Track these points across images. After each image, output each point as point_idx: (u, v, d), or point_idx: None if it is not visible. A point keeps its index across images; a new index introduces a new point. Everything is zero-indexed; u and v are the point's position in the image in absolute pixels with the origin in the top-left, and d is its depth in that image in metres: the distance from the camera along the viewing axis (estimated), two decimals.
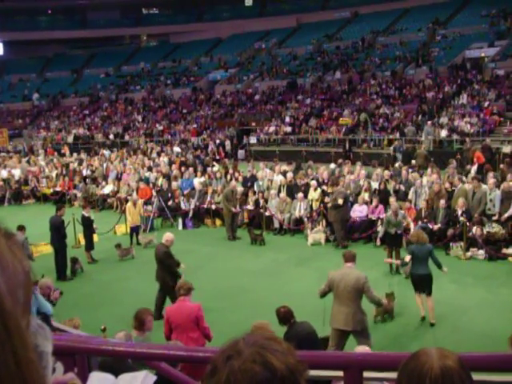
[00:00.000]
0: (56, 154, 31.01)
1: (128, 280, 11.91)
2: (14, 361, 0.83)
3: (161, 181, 19.58)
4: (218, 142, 32.55)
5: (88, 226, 13.50)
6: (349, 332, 7.35)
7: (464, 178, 15.42)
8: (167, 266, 9.61)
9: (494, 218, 13.13)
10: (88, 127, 42.24)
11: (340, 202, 13.61)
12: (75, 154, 28.46)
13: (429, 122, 26.93)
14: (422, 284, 9.12)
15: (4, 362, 0.82)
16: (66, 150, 32.63)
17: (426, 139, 25.82)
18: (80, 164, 24.79)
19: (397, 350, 7.36)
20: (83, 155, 28.08)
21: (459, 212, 13.05)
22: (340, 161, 19.96)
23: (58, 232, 12.42)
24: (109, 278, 12.34)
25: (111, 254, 13.81)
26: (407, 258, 9.22)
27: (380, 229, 13.63)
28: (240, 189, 16.77)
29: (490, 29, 37.37)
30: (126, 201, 18.55)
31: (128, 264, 13.26)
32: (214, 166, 22.28)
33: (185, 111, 41.65)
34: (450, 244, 12.85)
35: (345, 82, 37.11)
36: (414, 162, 20.16)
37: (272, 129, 33.63)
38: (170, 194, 17.91)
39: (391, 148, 25.80)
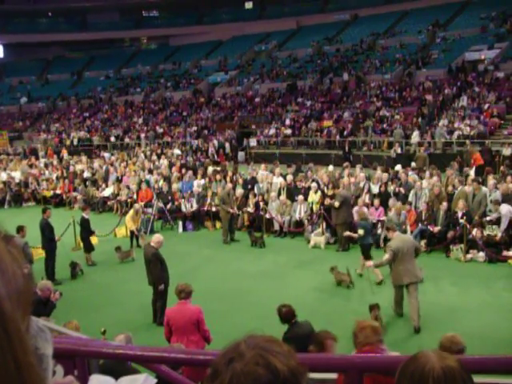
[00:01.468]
0: (55, 156, 31.03)
1: (128, 282, 11.90)
2: (14, 364, 0.83)
3: (161, 183, 19.58)
4: (215, 143, 32.55)
5: (86, 227, 13.48)
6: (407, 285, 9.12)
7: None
8: (152, 270, 9.44)
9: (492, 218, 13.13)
10: (88, 130, 42.25)
11: (336, 204, 13.59)
12: (66, 156, 28.65)
13: (440, 124, 26.97)
14: (369, 250, 11.60)
15: (4, 366, 0.82)
16: (64, 152, 32.66)
17: (439, 141, 25.92)
18: (69, 164, 24.93)
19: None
20: (83, 157, 28.10)
21: (459, 214, 13.05)
22: (345, 164, 19.94)
23: (44, 235, 12.42)
24: (109, 281, 12.33)
25: (111, 256, 13.80)
26: (360, 231, 11.40)
27: (380, 231, 13.66)
28: (240, 191, 16.76)
29: (490, 31, 37.43)
30: (126, 203, 18.56)
31: (128, 266, 13.25)
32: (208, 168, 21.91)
33: (185, 114, 41.69)
34: (450, 246, 12.85)
35: (347, 85, 37.15)
36: (413, 164, 20.15)
37: (272, 131, 33.65)
38: (169, 197, 17.92)
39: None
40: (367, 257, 11.22)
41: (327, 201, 14.53)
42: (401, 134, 27.52)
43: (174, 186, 18.48)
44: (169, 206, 17.40)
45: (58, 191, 22.28)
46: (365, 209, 13.78)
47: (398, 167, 18.94)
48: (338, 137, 30.15)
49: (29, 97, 51.84)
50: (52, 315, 7.52)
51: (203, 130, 36.64)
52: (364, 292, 10.80)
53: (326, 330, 5.18)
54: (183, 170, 20.90)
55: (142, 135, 38.07)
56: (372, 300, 10.17)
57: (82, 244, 14.15)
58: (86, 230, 13.50)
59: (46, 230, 12.37)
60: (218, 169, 21.42)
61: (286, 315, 6.27)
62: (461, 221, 12.74)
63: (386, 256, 9.23)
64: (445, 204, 13.43)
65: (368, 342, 4.08)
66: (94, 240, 15.13)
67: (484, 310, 9.55)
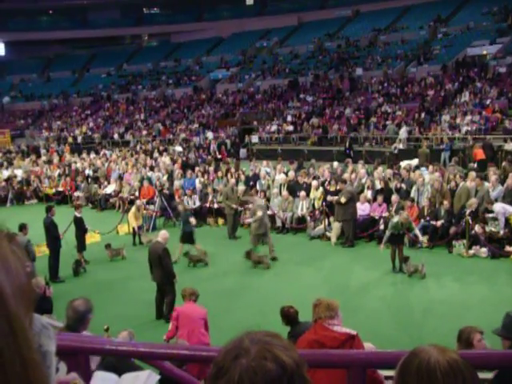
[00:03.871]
0: (55, 154, 31.02)
1: (130, 280, 11.92)
2: (20, 361, 0.84)
3: (163, 180, 19.57)
4: (211, 138, 32.60)
5: (80, 226, 13.17)
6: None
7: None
8: (165, 265, 9.41)
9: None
10: (90, 128, 42.28)
11: (342, 200, 13.55)
12: (68, 154, 28.76)
13: (467, 118, 26.89)
14: (192, 236, 13.34)
15: (10, 363, 0.82)
16: (67, 149, 32.68)
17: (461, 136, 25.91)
18: (71, 162, 25.11)
19: (398, 348, 7.35)
20: (85, 155, 28.12)
21: (468, 211, 12.84)
22: (347, 160, 19.93)
23: (49, 233, 12.33)
24: (111, 278, 12.33)
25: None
26: (193, 221, 13.67)
27: (382, 227, 13.60)
28: (242, 188, 16.76)
29: (492, 26, 37.32)
30: (129, 201, 18.56)
31: (130, 264, 13.25)
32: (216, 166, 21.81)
33: (186, 111, 41.68)
34: (453, 242, 12.82)
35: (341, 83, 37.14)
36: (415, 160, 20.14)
37: (274, 128, 33.64)
38: (172, 194, 17.89)
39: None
40: (192, 241, 13.15)
41: (332, 198, 14.42)
42: (394, 130, 27.60)
43: (177, 183, 18.47)
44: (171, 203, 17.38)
45: (60, 189, 22.30)
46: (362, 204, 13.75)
47: (408, 162, 18.86)
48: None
49: (22, 95, 51.88)
50: (55, 312, 7.54)
51: (200, 127, 36.67)
52: (368, 287, 10.82)
53: (471, 326, 4.83)
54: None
55: (144, 132, 38.09)
56: (372, 292, 10.21)
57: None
58: (79, 228, 13.14)
59: (52, 229, 12.29)
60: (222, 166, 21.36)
61: (295, 317, 6.17)
62: (467, 217, 12.59)
63: (259, 213, 12.42)
64: (448, 200, 13.37)
65: (318, 317, 4.19)
66: (96, 237, 15.15)
67: (486, 306, 9.53)
